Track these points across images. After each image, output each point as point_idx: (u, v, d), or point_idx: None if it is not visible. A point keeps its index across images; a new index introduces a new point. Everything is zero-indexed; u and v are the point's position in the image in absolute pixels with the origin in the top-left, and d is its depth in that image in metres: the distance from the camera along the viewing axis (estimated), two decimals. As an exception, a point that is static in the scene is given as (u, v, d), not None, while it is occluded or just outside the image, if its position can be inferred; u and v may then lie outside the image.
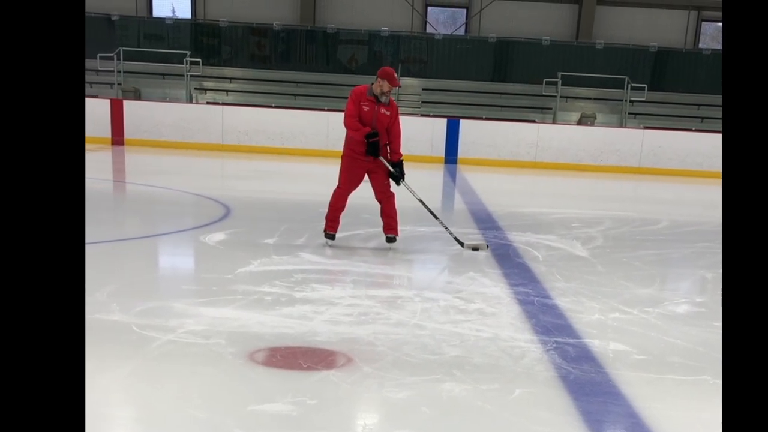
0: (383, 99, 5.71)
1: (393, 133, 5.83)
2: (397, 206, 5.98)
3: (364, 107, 5.69)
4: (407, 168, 5.92)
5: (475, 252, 5.92)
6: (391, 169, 5.80)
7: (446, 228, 6.10)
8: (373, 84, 5.73)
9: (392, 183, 5.89)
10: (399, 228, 5.97)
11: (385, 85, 5.65)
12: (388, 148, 5.86)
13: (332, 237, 5.95)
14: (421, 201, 6.08)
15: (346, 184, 5.87)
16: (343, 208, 5.93)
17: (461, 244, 5.96)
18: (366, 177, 5.91)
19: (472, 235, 6.91)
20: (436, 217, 6.13)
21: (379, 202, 5.95)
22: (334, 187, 5.91)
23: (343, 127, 5.80)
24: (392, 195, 5.93)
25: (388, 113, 5.76)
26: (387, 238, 5.98)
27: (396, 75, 5.68)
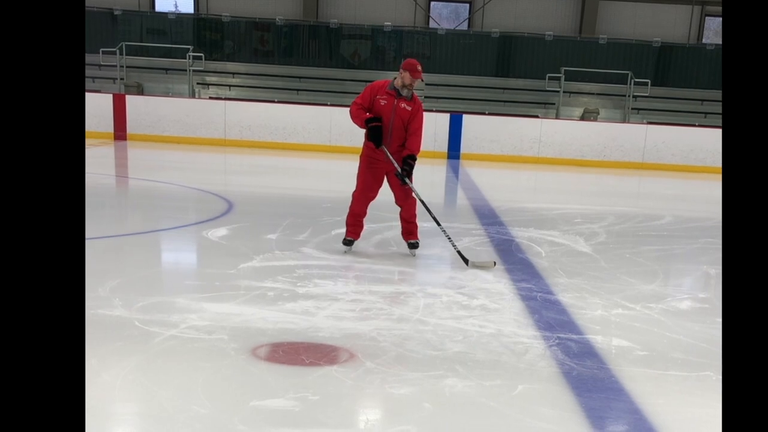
0: (405, 93, 5.29)
1: (411, 129, 5.36)
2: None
3: (381, 101, 5.30)
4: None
5: (479, 255, 5.83)
6: (397, 167, 5.32)
7: (450, 239, 5.55)
8: (395, 78, 5.34)
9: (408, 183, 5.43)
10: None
11: (407, 77, 5.23)
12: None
13: (350, 243, 5.61)
14: (425, 206, 5.53)
15: (363, 186, 5.51)
16: (363, 213, 5.61)
17: (466, 261, 5.35)
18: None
19: (475, 230, 6.91)
20: (439, 225, 5.57)
21: (399, 207, 5.61)
22: (353, 191, 5.60)
23: (349, 117, 5.44)
24: (413, 200, 5.54)
25: (409, 108, 5.32)
26: (409, 244, 5.65)
27: (419, 68, 5.25)
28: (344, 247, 5.60)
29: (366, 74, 17.79)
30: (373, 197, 5.58)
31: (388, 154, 5.34)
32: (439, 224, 5.57)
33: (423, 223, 5.70)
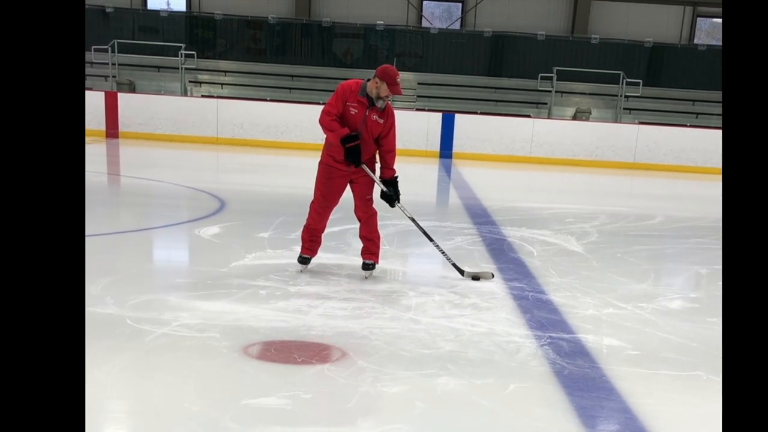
0: (379, 104, 4.58)
1: (385, 147, 4.76)
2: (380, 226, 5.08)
3: (351, 109, 4.58)
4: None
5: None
6: (383, 188, 4.84)
7: (443, 253, 5.11)
8: (369, 81, 4.59)
9: (376, 199, 4.91)
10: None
11: (383, 90, 4.49)
12: (377, 160, 4.88)
13: (307, 261, 4.94)
14: (415, 222, 5.09)
15: (323, 198, 4.79)
16: (322, 229, 4.93)
17: (461, 272, 5.01)
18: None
19: (467, 230, 6.92)
20: (431, 240, 5.13)
21: (358, 220, 4.94)
22: (310, 201, 4.90)
23: (318, 125, 4.73)
24: (375, 213, 4.91)
25: (381, 121, 4.65)
26: (364, 264, 4.94)
27: (399, 80, 4.51)
28: (300, 266, 4.94)
29: (358, 73, 17.74)
30: (333, 207, 4.93)
31: (369, 172, 4.77)
32: (431, 239, 5.14)
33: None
